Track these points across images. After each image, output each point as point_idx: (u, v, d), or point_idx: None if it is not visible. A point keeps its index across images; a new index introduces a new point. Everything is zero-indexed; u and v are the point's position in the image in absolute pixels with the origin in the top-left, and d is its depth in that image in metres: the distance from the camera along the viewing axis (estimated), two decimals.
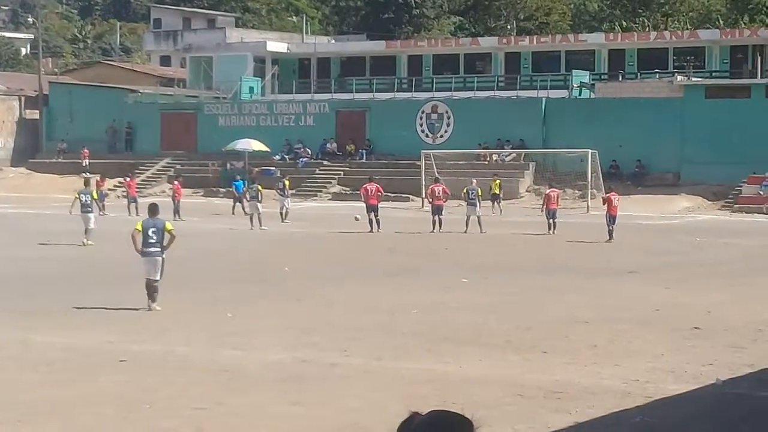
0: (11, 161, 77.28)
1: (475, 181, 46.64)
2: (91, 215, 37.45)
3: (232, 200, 54.95)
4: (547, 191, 45.26)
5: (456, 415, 4.49)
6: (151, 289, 22.17)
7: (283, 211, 48.43)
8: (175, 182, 51.92)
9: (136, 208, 51.94)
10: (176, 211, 49.28)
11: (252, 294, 24.54)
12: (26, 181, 71.10)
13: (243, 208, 52.84)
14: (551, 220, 42.80)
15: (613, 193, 41.84)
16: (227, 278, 27.71)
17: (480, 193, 45.05)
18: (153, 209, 23.21)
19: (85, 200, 37.61)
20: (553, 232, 42.24)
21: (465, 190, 44.87)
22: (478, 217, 43.37)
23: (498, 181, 55.38)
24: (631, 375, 15.75)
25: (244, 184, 56.45)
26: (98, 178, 55.94)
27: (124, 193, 56.97)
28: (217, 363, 16.54)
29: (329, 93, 76.73)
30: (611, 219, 39.97)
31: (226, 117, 73.32)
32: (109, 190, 67.35)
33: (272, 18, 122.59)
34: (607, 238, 39.54)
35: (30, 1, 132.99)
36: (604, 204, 41.26)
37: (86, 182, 40.98)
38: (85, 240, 36.37)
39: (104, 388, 14.93)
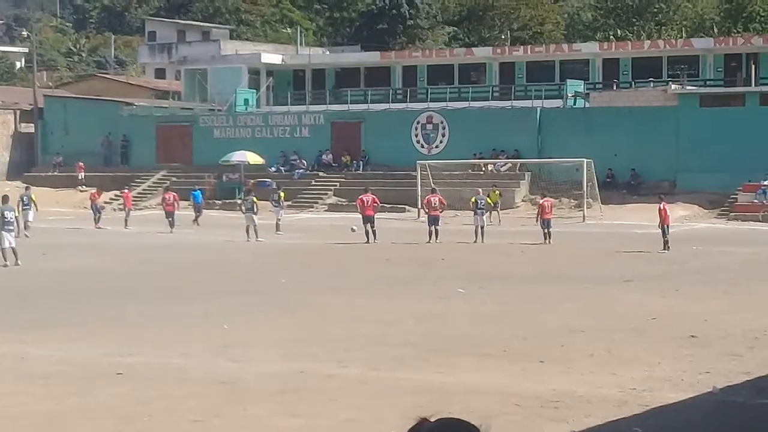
0: (7, 175, 77.15)
1: (481, 190, 46.84)
2: (11, 234, 34.16)
3: (193, 211, 55.11)
4: (541, 201, 45.32)
5: (465, 422, 4.49)
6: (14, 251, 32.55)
7: (277, 223, 48.38)
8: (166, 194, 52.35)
9: (126, 219, 52.01)
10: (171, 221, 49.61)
11: (249, 305, 24.52)
12: None
13: (196, 219, 53.18)
14: (546, 230, 42.86)
15: (663, 203, 41.00)
16: (223, 290, 27.69)
17: (490, 202, 45.24)
18: (5, 199, 33.85)
19: (9, 218, 34.28)
20: (549, 242, 42.30)
21: (473, 200, 45.05)
22: (482, 227, 43.56)
23: (497, 192, 55.61)
24: (627, 384, 15.75)
25: (202, 194, 56.77)
26: (94, 192, 55.92)
27: (121, 206, 56.99)
28: (214, 375, 16.52)
29: (324, 104, 76.71)
30: (666, 228, 39.53)
31: (222, 129, 73.33)
32: (105, 203, 67.50)
33: (267, 30, 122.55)
34: (662, 248, 38.98)
35: (24, 14, 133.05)
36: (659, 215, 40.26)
37: (4, 199, 35.40)
38: (6, 262, 33.51)
39: (101, 401, 14.91)
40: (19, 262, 33.56)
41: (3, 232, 33.90)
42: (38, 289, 28.00)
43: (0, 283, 29.26)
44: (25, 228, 44.53)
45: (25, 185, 54.75)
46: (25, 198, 47.54)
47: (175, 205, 51.12)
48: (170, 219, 49.84)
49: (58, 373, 16.78)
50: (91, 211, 53.47)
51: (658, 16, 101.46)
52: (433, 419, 4.49)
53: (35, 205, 48.08)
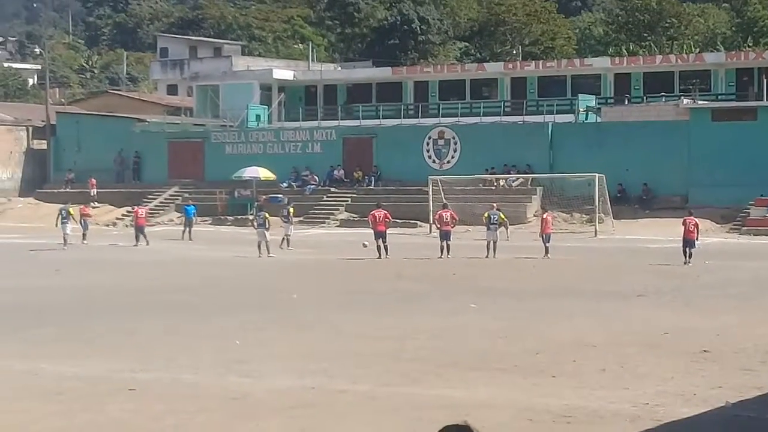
0: (19, 191, 77.41)
1: (495, 205, 46.72)
2: None
3: (183, 225, 56.44)
4: (544, 216, 45.40)
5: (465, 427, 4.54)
6: None
7: (287, 238, 48.34)
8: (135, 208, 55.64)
9: (139, 236, 52.14)
10: (139, 235, 51.01)
11: (260, 321, 24.53)
12: (34, 212, 71.17)
13: (189, 234, 54.00)
14: (546, 245, 42.91)
15: (689, 217, 41.60)
16: (235, 305, 27.71)
17: (502, 218, 45.20)
18: None
19: None
20: (548, 257, 42.28)
21: (486, 215, 44.92)
22: (495, 242, 43.44)
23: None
24: (640, 399, 15.72)
25: (195, 209, 57.22)
26: (83, 206, 55.73)
27: (132, 222, 57.07)
28: (225, 390, 16.53)
29: (336, 120, 76.77)
30: (686, 243, 40.13)
31: (233, 145, 73.43)
32: (117, 219, 67.66)
33: (278, 46, 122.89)
34: (684, 260, 39.54)
35: (36, 32, 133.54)
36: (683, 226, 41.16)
37: None
38: None
39: (113, 417, 14.92)
40: None
41: None
42: (51, 305, 28.04)
43: (14, 299, 29.31)
44: (64, 241, 48.67)
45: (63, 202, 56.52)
46: (63, 212, 50.66)
47: (146, 219, 54.16)
48: (142, 234, 51.02)
49: (71, 389, 16.80)
50: (80, 226, 52.73)
51: (669, 30, 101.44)
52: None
53: (73, 219, 51.06)
